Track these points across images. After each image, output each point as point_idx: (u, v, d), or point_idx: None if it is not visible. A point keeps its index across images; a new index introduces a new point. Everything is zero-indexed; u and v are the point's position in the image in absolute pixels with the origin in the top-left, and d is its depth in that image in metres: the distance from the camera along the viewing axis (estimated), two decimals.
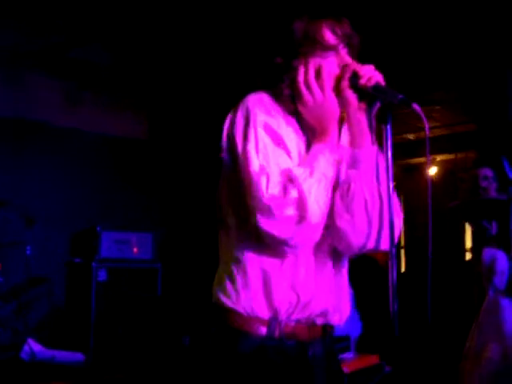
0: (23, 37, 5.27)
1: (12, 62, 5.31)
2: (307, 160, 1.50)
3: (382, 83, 1.50)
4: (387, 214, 1.48)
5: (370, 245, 1.56)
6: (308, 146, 1.56)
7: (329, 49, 1.56)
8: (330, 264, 1.61)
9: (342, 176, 1.57)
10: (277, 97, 1.58)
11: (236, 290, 1.53)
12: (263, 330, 1.52)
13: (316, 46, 1.55)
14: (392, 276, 1.43)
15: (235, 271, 1.54)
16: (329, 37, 1.56)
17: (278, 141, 1.50)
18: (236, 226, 1.56)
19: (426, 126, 1.46)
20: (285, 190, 1.41)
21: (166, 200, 6.29)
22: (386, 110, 1.48)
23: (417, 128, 6.99)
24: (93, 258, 5.31)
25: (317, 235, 1.47)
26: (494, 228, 3.58)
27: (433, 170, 7.97)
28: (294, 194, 1.40)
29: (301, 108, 1.56)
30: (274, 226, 1.41)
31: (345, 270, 1.68)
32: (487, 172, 3.85)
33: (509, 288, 3.28)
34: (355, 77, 1.51)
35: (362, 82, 1.49)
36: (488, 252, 3.39)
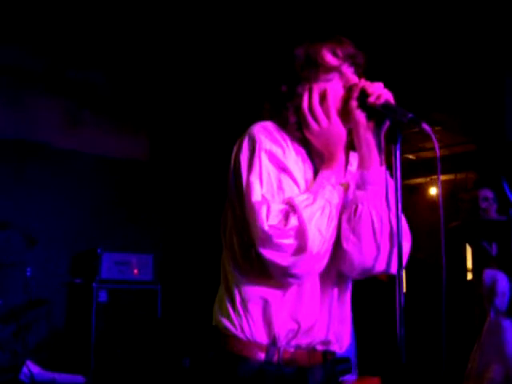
0: (24, 58, 5.30)
1: (13, 84, 5.34)
2: (313, 187, 1.48)
3: (392, 101, 1.47)
4: (396, 236, 1.45)
5: (379, 268, 1.52)
6: (316, 174, 1.54)
7: (331, 71, 1.54)
8: (335, 291, 1.59)
9: (350, 198, 1.54)
10: (283, 125, 1.57)
11: (237, 314, 1.52)
12: (261, 356, 1.50)
13: (318, 69, 1.54)
14: (400, 300, 1.40)
15: (236, 295, 1.52)
16: (330, 59, 1.55)
17: (284, 169, 1.48)
18: (240, 252, 1.53)
19: (436, 145, 1.43)
20: (285, 218, 1.39)
21: (167, 222, 6.28)
22: (396, 130, 1.45)
23: (417, 148, 7.01)
24: (93, 279, 5.29)
25: (320, 264, 1.45)
26: (494, 249, 3.58)
27: (433, 191, 7.98)
28: (293, 222, 1.38)
29: (307, 135, 1.55)
30: (275, 256, 1.39)
31: (348, 296, 1.65)
32: (487, 193, 3.87)
33: (510, 309, 3.27)
34: (364, 95, 1.49)
35: (371, 100, 1.47)
36: (489, 273, 3.38)
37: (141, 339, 5.41)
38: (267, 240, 1.39)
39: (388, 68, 5.08)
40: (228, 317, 1.53)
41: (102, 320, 5.22)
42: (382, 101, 1.46)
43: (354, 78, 1.55)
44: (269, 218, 1.39)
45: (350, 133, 1.56)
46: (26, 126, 5.43)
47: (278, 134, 1.53)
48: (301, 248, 1.38)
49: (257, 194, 1.43)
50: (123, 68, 5.65)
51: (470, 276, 7.18)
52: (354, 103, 1.50)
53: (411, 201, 7.74)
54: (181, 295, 6.01)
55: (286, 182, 1.47)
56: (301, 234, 1.38)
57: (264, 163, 1.47)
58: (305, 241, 1.37)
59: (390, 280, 1.51)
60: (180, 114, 6.24)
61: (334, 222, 1.46)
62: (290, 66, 1.57)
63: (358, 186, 1.51)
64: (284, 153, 1.50)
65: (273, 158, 1.48)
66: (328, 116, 1.52)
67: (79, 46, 5.19)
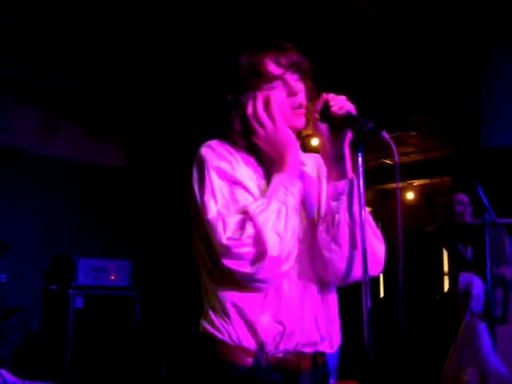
0: None
1: None
2: (267, 193, 1.51)
3: (353, 112, 1.51)
4: (370, 241, 1.51)
5: (358, 273, 1.53)
6: (269, 179, 1.56)
7: (274, 80, 1.57)
8: (318, 292, 1.60)
9: (323, 209, 1.60)
10: (228, 138, 1.60)
11: (221, 321, 1.53)
12: (249, 361, 1.51)
13: (261, 78, 1.57)
14: (366, 305, 1.42)
15: (216, 304, 1.54)
16: (272, 68, 1.57)
17: (235, 182, 1.52)
18: (212, 265, 1.55)
19: (395, 152, 1.48)
20: (242, 228, 1.42)
21: (145, 228, 6.25)
22: (359, 139, 1.49)
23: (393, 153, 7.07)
24: (69, 285, 5.24)
25: (285, 265, 1.47)
26: (469, 252, 3.62)
27: (410, 195, 8.06)
28: (249, 230, 1.41)
29: (255, 140, 1.58)
30: (237, 265, 1.43)
31: (333, 296, 1.66)
32: (462, 197, 3.93)
33: (485, 312, 3.30)
34: (326, 107, 1.53)
35: (334, 110, 1.51)
36: (464, 277, 3.41)
37: (118, 346, 5.37)
38: (227, 251, 1.42)
39: (366, 74, 5.13)
40: (213, 323, 1.54)
41: (78, 327, 5.16)
42: (343, 111, 1.50)
43: (297, 86, 1.58)
44: (226, 230, 1.43)
45: (298, 135, 1.62)
46: (2, 132, 5.38)
47: (225, 150, 1.56)
48: (260, 253, 1.41)
49: (212, 211, 1.47)
50: (99, 74, 5.62)
51: (446, 279, 7.27)
52: (316, 116, 1.55)
53: (388, 205, 7.81)
54: (158, 301, 5.98)
55: (239, 193, 1.51)
56: (258, 239, 1.41)
57: (214, 181, 1.51)
58: (263, 246, 1.40)
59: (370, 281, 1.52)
60: (158, 120, 6.22)
61: (293, 222, 1.48)
62: (234, 75, 1.60)
63: (333, 198, 1.56)
64: (232, 167, 1.54)
65: (222, 173, 1.52)
66: (273, 120, 1.55)
67: (54, 53, 5.15)
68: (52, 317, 5.37)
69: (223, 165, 1.53)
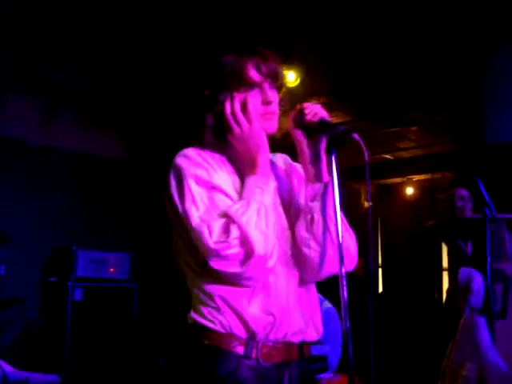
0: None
1: None
2: (243, 195, 1.58)
3: (327, 118, 1.62)
4: (347, 239, 1.63)
5: (333, 269, 1.65)
6: (243, 179, 1.64)
7: (253, 86, 1.65)
8: (297, 283, 1.67)
9: (302, 207, 1.69)
10: (199, 141, 1.69)
11: (211, 311, 1.57)
12: (240, 350, 1.56)
13: (241, 82, 1.65)
14: (343, 297, 1.51)
15: (207, 300, 1.58)
16: (253, 75, 1.65)
17: (213, 187, 1.59)
18: (198, 269, 1.61)
19: (366, 153, 1.54)
20: (226, 231, 1.49)
21: (144, 220, 6.25)
22: (332, 143, 1.60)
23: (395, 148, 7.07)
24: (68, 278, 5.24)
25: (270, 261, 1.54)
26: (469, 247, 3.62)
27: (409, 190, 8.06)
28: (235, 232, 1.48)
29: (230, 139, 1.66)
30: (226, 266, 1.49)
31: (312, 286, 1.74)
32: (463, 192, 3.92)
33: (485, 307, 3.30)
34: (302, 115, 1.63)
35: (308, 117, 1.62)
36: (464, 271, 3.41)
37: (116, 338, 5.37)
38: (215, 255, 1.48)
39: (367, 69, 5.11)
40: (203, 315, 1.58)
41: (77, 319, 5.17)
42: (317, 118, 1.61)
43: (272, 95, 1.67)
44: (212, 235, 1.49)
45: (269, 139, 1.68)
46: (1, 123, 5.37)
47: (200, 157, 1.64)
48: (248, 253, 1.48)
49: (195, 218, 1.54)
50: (101, 66, 5.61)
51: (445, 274, 7.28)
52: (292, 123, 1.66)
53: (388, 200, 7.80)
54: (157, 294, 5.99)
55: (218, 197, 1.58)
56: (244, 240, 1.48)
57: (193, 188, 1.58)
58: (250, 246, 1.48)
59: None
60: (158, 112, 6.21)
61: (272, 219, 1.56)
62: (215, 74, 1.68)
63: (311, 199, 1.67)
64: (209, 173, 1.61)
65: (200, 180, 1.59)
66: (249, 121, 1.63)
67: (56, 44, 5.13)
68: (51, 309, 5.38)
69: (200, 172, 1.60)
